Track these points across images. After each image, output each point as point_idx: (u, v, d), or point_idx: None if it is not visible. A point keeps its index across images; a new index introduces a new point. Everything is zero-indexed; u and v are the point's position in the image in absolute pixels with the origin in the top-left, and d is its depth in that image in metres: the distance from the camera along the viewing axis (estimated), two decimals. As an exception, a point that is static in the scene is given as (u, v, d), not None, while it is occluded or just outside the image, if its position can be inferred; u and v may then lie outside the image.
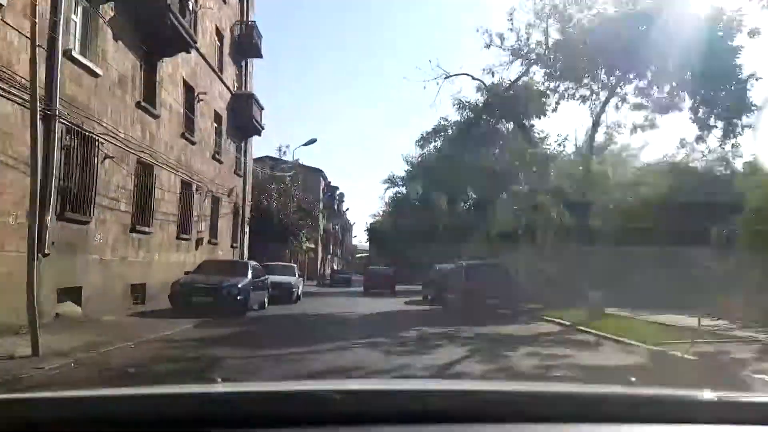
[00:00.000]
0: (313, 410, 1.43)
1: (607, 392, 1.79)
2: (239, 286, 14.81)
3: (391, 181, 44.06)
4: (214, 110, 22.77)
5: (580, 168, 16.34)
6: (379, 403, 1.51)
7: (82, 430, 1.34)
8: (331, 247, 75.88)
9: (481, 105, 18.57)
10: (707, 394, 1.51)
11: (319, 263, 60.98)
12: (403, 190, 45.13)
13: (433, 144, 21.70)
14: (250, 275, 15.95)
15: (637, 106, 13.76)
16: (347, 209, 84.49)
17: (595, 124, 14.80)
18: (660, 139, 58.65)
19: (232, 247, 26.26)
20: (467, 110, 19.26)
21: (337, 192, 72.88)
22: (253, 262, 18.59)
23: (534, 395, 1.71)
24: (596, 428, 1.42)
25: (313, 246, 52.22)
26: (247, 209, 28.44)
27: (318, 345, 9.45)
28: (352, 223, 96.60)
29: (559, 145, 19.18)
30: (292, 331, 12.14)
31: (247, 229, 28.64)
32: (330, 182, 65.77)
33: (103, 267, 14.03)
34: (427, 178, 23.15)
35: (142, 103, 15.90)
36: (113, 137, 14.16)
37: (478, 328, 12.94)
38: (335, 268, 69.49)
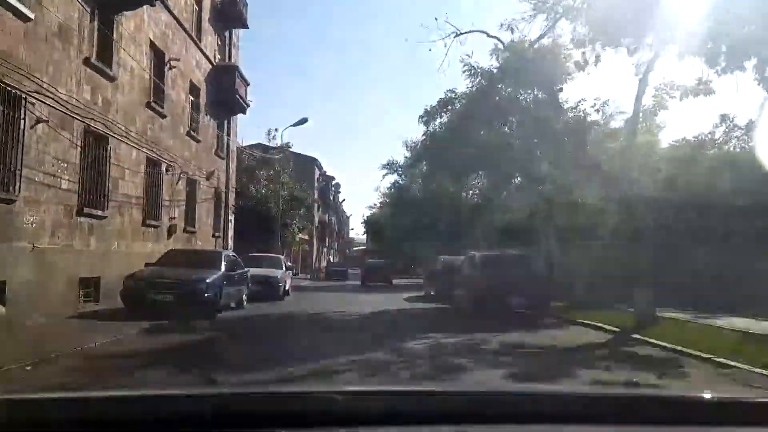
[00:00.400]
0: (314, 411, 1.41)
1: (607, 393, 1.87)
2: (208, 281, 12.17)
3: (390, 167, 41.34)
4: (190, 81, 20.05)
5: (621, 139, 13.58)
6: (379, 404, 1.47)
7: (82, 430, 1.32)
8: (327, 239, 73.47)
9: (496, 70, 15.89)
10: (707, 394, 1.53)
11: (314, 256, 58.60)
12: (404, 178, 42.35)
13: (439, 120, 18.98)
14: (223, 268, 13.31)
15: (712, 59, 10.81)
16: (343, 200, 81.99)
17: (643, 83, 12.10)
18: (673, 121, 53.31)
19: (214, 236, 23.56)
20: (479, 77, 16.57)
21: (333, 182, 70.33)
22: (228, 252, 15.97)
23: (534, 396, 1.69)
24: (596, 429, 1.40)
25: (307, 238, 49.82)
26: (232, 195, 25.75)
27: (293, 366, 6.77)
28: (348, 215, 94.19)
29: (597, 111, 16.32)
30: (266, 342, 9.34)
31: (232, 218, 25.97)
32: (325, 172, 63.10)
33: (37, 257, 11.36)
34: (431, 160, 20.37)
35: (93, 61, 13.21)
36: (50, 97, 11.48)
37: (501, 334, 10.29)
38: (331, 260, 66.92)
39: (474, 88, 16.84)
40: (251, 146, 35.52)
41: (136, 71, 15.66)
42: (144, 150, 16.12)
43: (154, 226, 17.05)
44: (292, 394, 1.66)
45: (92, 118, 13.24)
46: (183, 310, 11.64)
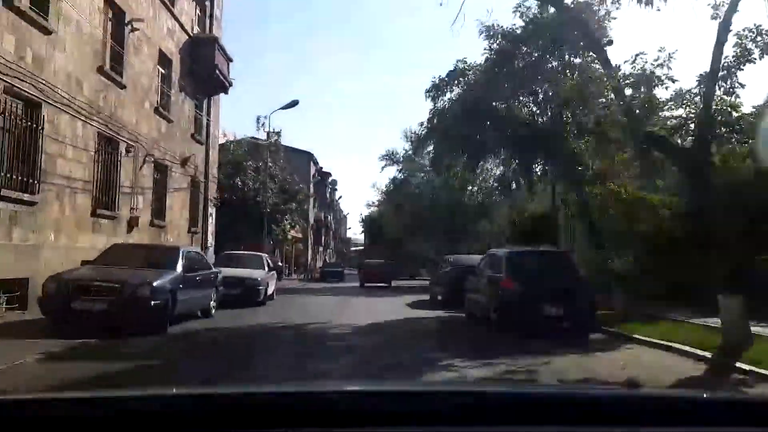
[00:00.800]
0: (314, 411, 1.39)
1: (607, 393, 1.83)
2: (155, 284, 9.33)
3: (390, 157, 38.60)
4: (160, 50, 17.24)
5: (690, 107, 10.73)
6: (379, 404, 1.45)
7: (82, 430, 1.29)
8: (323, 238, 70.71)
9: (521, 30, 13.08)
10: (707, 395, 1.53)
11: (309, 255, 55.86)
12: (404, 172, 39.59)
13: (448, 95, 16.20)
14: (179, 267, 10.49)
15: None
16: (340, 197, 79.28)
17: (725, 27, 9.30)
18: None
19: (190, 232, 20.72)
20: (500, 38, 13.77)
21: (330, 179, 67.55)
22: (189, 249, 13.15)
23: (534, 396, 1.67)
24: (596, 429, 1.38)
25: (300, 236, 47.07)
26: (213, 186, 22.90)
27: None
28: (345, 214, 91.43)
29: (660, 65, 13.18)
30: (215, 377, 6.32)
31: (212, 211, 23.13)
32: (321, 168, 60.26)
33: (-71, 252, 8.60)
34: (439, 142, 17.48)
35: (19, 4, 10.42)
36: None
37: (547, 360, 7.47)
38: (327, 260, 64.16)
39: (492, 54, 14.02)
40: (240, 140, 32.77)
41: (85, 27, 12.86)
42: (94, 124, 13.31)
43: (109, 217, 14.24)
44: (291, 393, 1.61)
45: (16, 77, 10.45)
46: (120, 322, 8.86)
